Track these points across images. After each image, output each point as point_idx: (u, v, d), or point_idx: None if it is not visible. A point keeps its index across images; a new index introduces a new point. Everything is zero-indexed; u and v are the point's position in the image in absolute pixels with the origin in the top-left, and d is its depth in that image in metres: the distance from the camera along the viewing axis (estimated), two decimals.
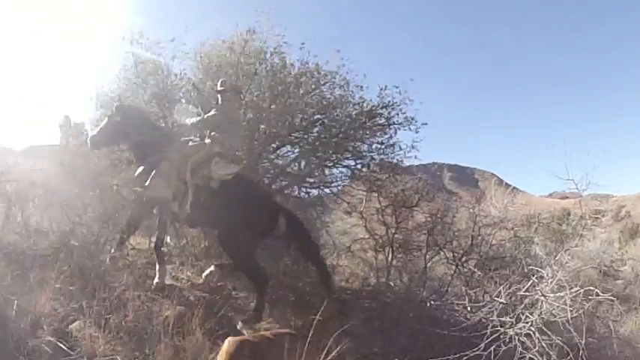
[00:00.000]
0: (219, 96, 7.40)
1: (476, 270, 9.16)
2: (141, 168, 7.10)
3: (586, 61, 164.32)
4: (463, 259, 9.50)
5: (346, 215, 12.05)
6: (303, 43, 9.56)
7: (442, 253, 9.92)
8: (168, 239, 7.80)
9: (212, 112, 7.20)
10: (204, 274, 7.24)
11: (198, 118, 7.29)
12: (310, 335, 5.36)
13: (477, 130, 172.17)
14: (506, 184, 21.75)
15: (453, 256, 9.67)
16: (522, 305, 7.02)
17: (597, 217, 42.20)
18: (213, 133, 7.22)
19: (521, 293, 7.19)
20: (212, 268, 7.25)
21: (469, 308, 7.67)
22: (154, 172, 6.85)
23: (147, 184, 6.85)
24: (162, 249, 7.34)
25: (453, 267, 9.61)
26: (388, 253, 10.11)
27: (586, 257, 17.36)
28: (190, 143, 7.26)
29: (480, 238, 9.76)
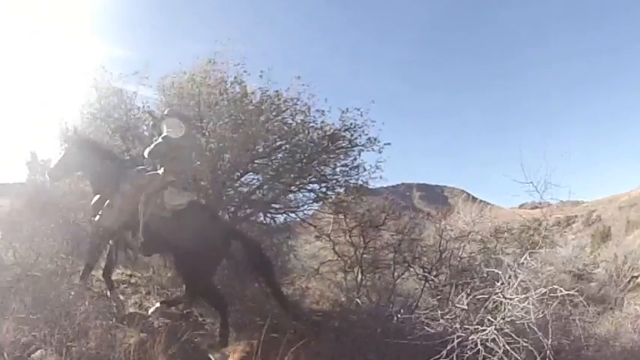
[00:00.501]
0: (164, 125, 7.43)
1: (443, 283, 9.23)
2: (96, 197, 7.15)
3: (549, 73, 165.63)
4: (433, 273, 9.55)
5: (314, 239, 12.13)
6: (262, 71, 9.59)
7: (411, 269, 9.99)
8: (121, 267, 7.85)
9: (157, 141, 7.22)
10: (150, 311, 7.25)
11: (148, 149, 7.30)
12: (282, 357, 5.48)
13: (444, 149, 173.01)
14: (474, 198, 21.93)
15: (423, 271, 9.74)
16: (483, 309, 7.08)
17: (568, 224, 42.74)
18: (163, 163, 7.23)
19: (481, 296, 7.25)
20: (157, 305, 7.27)
21: (433, 318, 7.70)
22: (106, 202, 6.89)
23: (99, 215, 6.91)
24: (110, 277, 7.37)
25: (423, 282, 9.66)
26: (357, 273, 10.18)
27: (558, 263, 17.54)
28: (145, 173, 7.27)
29: (448, 252, 9.81)
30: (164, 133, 7.30)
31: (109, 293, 7.18)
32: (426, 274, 9.53)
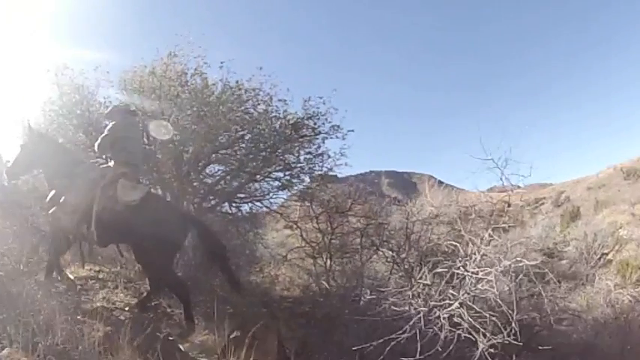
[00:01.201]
0: (110, 119, 7.48)
1: (411, 264, 9.30)
2: (52, 193, 7.12)
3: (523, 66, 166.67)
4: (402, 255, 9.62)
5: (282, 228, 12.20)
6: (222, 62, 9.60)
7: (380, 252, 10.07)
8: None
9: (103, 134, 7.23)
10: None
11: (96, 142, 7.31)
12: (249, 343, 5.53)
13: (411, 135, 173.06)
14: (441, 182, 22.07)
15: (392, 255, 9.80)
16: (445, 283, 7.21)
17: (537, 205, 43.04)
18: (112, 155, 7.25)
19: (441, 270, 7.37)
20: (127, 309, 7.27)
21: (400, 297, 7.72)
22: (62, 198, 6.88)
23: (52, 210, 6.91)
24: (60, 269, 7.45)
25: (391, 264, 9.73)
26: (326, 259, 10.24)
27: (529, 243, 17.71)
28: (97, 167, 7.27)
29: (416, 234, 9.88)
30: (109, 126, 7.30)
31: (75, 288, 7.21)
32: (394, 256, 9.60)
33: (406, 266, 9.24)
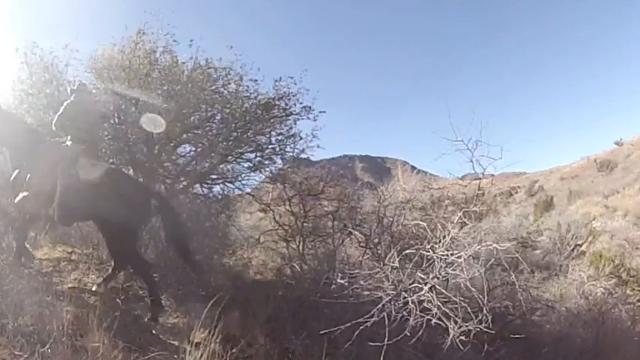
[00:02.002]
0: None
1: (384, 248, 9.37)
2: (15, 172, 7.11)
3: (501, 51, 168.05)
4: (375, 240, 9.70)
5: (255, 210, 12.23)
6: (191, 40, 9.61)
7: (352, 236, 10.16)
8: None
9: (59, 112, 7.27)
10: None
11: (53, 121, 7.35)
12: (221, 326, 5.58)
13: (385, 120, 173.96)
14: (414, 167, 22.21)
15: (366, 238, 9.89)
16: (413, 265, 7.27)
17: (511, 194, 43.46)
18: (69, 133, 7.28)
19: (409, 252, 7.44)
20: (94, 288, 7.32)
21: (370, 280, 7.77)
22: (27, 177, 6.90)
23: (20, 195, 6.91)
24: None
25: (363, 248, 9.81)
26: (299, 242, 10.31)
27: (502, 232, 17.89)
28: (58, 146, 7.27)
29: (389, 218, 9.96)
30: (64, 105, 7.34)
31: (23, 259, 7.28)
32: (366, 240, 9.68)
33: (379, 250, 9.34)
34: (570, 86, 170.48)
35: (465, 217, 7.63)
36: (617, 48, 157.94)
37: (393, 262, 7.31)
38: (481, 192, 8.73)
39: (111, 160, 9.31)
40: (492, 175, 8.60)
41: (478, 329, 6.33)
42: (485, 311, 6.39)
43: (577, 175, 48.09)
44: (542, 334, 10.15)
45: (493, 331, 6.57)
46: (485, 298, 6.53)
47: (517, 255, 8.09)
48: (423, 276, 6.90)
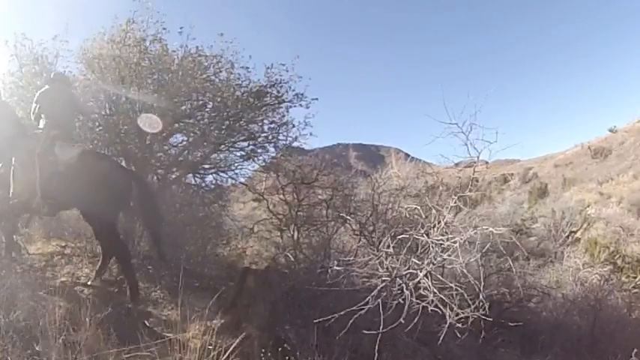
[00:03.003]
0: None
1: (378, 236, 9.36)
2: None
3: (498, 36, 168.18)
4: (370, 227, 9.69)
5: (248, 200, 12.23)
6: (181, 28, 9.51)
7: (347, 224, 10.15)
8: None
9: (35, 99, 7.35)
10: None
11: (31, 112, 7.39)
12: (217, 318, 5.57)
13: (379, 108, 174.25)
14: (408, 155, 22.22)
15: (360, 226, 9.89)
16: (406, 250, 7.19)
17: (505, 181, 43.56)
18: (45, 119, 7.29)
19: (403, 236, 7.37)
20: (89, 282, 7.31)
21: (365, 268, 7.75)
22: (12, 170, 6.86)
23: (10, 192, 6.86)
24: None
25: (358, 236, 9.81)
26: (293, 231, 10.31)
27: (497, 219, 17.94)
28: (36, 135, 7.22)
29: (383, 206, 9.96)
30: (37, 94, 7.40)
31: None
32: (361, 227, 9.68)
33: (373, 238, 9.33)
34: (564, 74, 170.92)
35: (459, 202, 7.59)
36: (612, 36, 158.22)
37: (387, 249, 7.26)
38: (475, 178, 8.66)
39: (103, 152, 9.24)
40: (487, 162, 8.53)
41: (475, 316, 6.33)
42: (482, 298, 6.38)
43: (571, 162, 48.23)
44: (539, 321, 10.20)
45: (490, 318, 6.57)
46: (482, 284, 6.52)
47: (514, 239, 8.07)
48: (418, 262, 6.90)
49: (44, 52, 9.63)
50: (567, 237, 19.81)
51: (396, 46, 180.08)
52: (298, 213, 10.50)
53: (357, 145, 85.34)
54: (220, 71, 9.89)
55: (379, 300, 6.58)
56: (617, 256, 16.08)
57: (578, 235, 20.23)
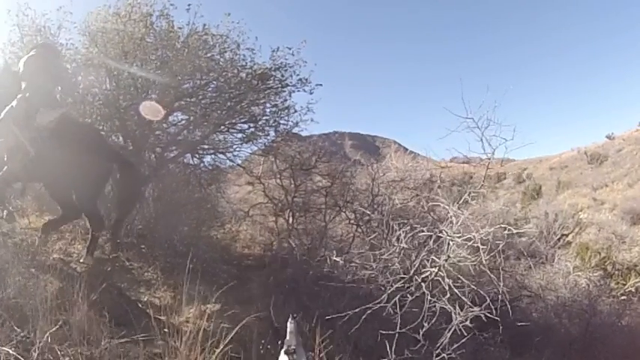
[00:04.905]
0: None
1: (375, 227, 9.36)
2: None
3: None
4: (365, 218, 9.70)
5: (244, 183, 12.21)
6: (189, 4, 9.41)
7: (343, 213, 10.16)
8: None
9: (20, 66, 7.20)
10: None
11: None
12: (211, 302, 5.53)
13: (378, 100, 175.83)
14: (405, 149, 22.24)
15: (355, 216, 9.89)
16: (426, 249, 7.16)
17: (499, 180, 43.71)
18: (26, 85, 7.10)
19: (425, 234, 7.32)
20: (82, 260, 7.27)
21: (372, 260, 7.72)
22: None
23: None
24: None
25: (355, 226, 9.82)
26: (288, 217, 10.30)
27: (490, 217, 17.96)
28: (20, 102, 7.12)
29: (380, 197, 9.96)
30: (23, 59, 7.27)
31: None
32: (359, 218, 9.68)
33: (370, 228, 9.32)
34: (565, 79, 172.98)
35: (469, 198, 7.60)
36: (616, 44, 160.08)
37: (400, 243, 7.24)
38: (470, 176, 8.66)
39: (101, 127, 9.23)
40: (489, 159, 8.47)
41: (479, 314, 6.45)
42: (489, 296, 6.58)
43: (566, 165, 48.59)
44: (530, 322, 10.23)
45: (497, 318, 6.57)
46: (502, 284, 6.81)
47: (513, 232, 8.03)
48: (436, 259, 6.92)
49: (47, 23, 9.48)
50: (559, 240, 19.93)
51: (395, 43, 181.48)
52: (294, 199, 10.49)
53: (353, 134, 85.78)
54: (225, 51, 9.83)
55: (386, 295, 6.61)
56: (608, 262, 16.26)
57: (569, 238, 20.36)
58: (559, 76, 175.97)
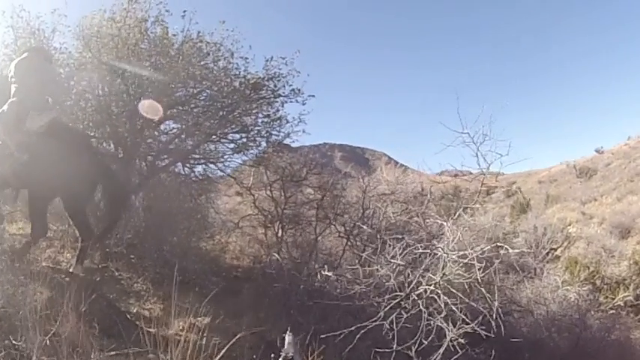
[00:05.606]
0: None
1: (365, 240, 9.40)
2: None
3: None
4: (355, 231, 9.72)
5: (234, 194, 12.23)
6: (184, 11, 9.44)
7: (333, 226, 10.18)
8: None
9: (10, 70, 7.14)
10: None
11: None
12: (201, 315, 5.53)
13: (368, 111, 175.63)
14: (396, 162, 22.30)
15: (345, 230, 9.92)
16: (423, 266, 7.20)
17: (487, 193, 43.85)
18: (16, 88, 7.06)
19: (421, 251, 7.38)
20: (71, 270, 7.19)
21: (361, 276, 7.74)
22: None
23: None
24: None
25: (345, 239, 9.85)
26: (278, 229, 10.31)
27: (479, 230, 18.00)
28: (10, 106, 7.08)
29: (371, 210, 9.99)
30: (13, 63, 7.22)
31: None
32: (349, 231, 9.71)
33: (357, 242, 9.35)
34: (555, 94, 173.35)
35: (464, 214, 7.65)
36: (605, 59, 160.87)
37: (394, 259, 7.33)
38: (484, 189, 8.72)
39: (92, 133, 9.21)
40: (483, 174, 8.52)
41: (473, 331, 6.53)
42: (480, 311, 6.72)
43: (555, 179, 48.96)
44: (520, 337, 10.28)
45: (492, 334, 6.63)
46: (497, 301, 6.86)
47: (510, 251, 8.08)
48: (433, 276, 6.99)
49: (41, 25, 9.45)
50: (547, 254, 19.98)
51: (385, 51, 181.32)
52: (284, 211, 10.49)
53: (343, 145, 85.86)
54: (219, 59, 9.86)
55: (393, 316, 6.62)
56: (597, 276, 16.34)
57: (558, 252, 20.41)
58: (548, 90, 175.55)
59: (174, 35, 9.58)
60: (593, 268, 16.82)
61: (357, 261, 8.89)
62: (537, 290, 12.87)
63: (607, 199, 34.83)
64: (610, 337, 11.75)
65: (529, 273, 15.73)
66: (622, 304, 15.27)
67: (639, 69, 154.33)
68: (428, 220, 8.98)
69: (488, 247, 6.97)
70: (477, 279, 6.71)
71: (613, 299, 15.28)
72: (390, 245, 7.65)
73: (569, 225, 25.97)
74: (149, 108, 8.84)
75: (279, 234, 10.29)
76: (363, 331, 6.57)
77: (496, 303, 6.71)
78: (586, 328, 11.02)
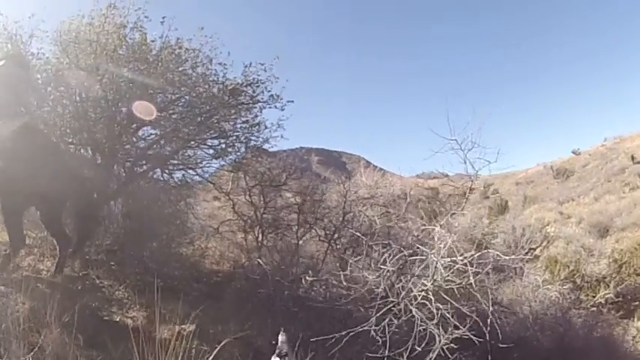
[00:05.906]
0: None
1: (346, 245, 9.45)
2: None
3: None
4: (335, 235, 9.76)
5: (213, 199, 12.22)
6: (163, 17, 9.48)
7: (314, 230, 10.22)
8: None
9: None
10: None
11: None
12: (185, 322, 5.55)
13: (344, 115, 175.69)
14: (373, 165, 22.41)
15: (325, 234, 9.96)
16: (413, 272, 7.30)
17: (464, 195, 44.12)
18: None
19: (412, 258, 7.45)
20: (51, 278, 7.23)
21: (344, 282, 7.74)
22: None
23: None
24: None
25: (326, 244, 9.89)
26: (258, 234, 10.34)
27: (459, 232, 18.10)
28: None
29: (351, 214, 10.04)
30: None
31: None
32: (330, 235, 9.75)
33: (338, 246, 9.39)
34: (531, 95, 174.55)
35: (451, 218, 7.73)
36: (583, 62, 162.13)
37: (385, 265, 7.38)
38: (437, 192, 8.83)
39: (70, 139, 9.22)
40: (446, 176, 8.66)
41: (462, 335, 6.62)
42: (470, 315, 6.81)
43: (533, 180, 49.40)
44: (504, 337, 10.37)
45: (481, 339, 6.68)
46: (490, 304, 7.02)
47: (502, 257, 8.18)
48: (425, 282, 7.06)
49: (19, 30, 9.36)
50: (526, 253, 20.13)
51: (363, 57, 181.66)
52: (264, 215, 10.53)
53: (319, 149, 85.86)
54: (197, 66, 9.87)
55: (385, 322, 6.68)
56: (577, 275, 16.52)
57: (537, 252, 20.57)
58: (524, 92, 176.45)
59: (152, 41, 9.59)
60: (573, 267, 16.99)
61: (337, 264, 8.98)
62: (518, 290, 12.99)
63: (584, 199, 35.17)
64: (594, 334, 11.93)
65: (509, 273, 15.88)
66: (603, 302, 15.54)
67: (615, 71, 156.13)
68: (414, 225, 9.03)
69: (479, 253, 7.00)
70: (471, 283, 6.83)
71: (594, 297, 15.54)
72: (376, 252, 7.71)
73: (548, 225, 26.15)
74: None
75: (260, 238, 10.33)
76: (352, 337, 6.60)
77: (490, 308, 6.73)
78: (570, 326, 11.14)
